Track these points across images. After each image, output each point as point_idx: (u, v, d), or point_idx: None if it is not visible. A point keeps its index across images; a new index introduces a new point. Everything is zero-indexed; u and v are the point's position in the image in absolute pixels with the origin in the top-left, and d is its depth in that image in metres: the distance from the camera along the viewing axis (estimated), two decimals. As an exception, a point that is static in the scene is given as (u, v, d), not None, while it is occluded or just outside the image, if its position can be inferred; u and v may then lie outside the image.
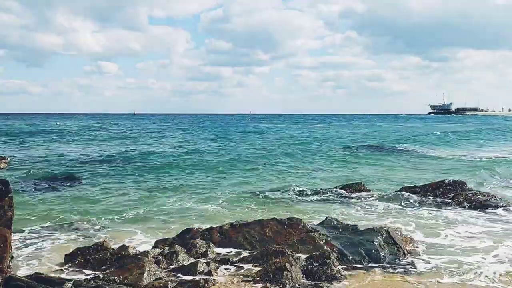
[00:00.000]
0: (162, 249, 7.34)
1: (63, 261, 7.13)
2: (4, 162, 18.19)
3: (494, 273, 6.60)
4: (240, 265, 6.87)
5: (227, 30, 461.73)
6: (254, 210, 11.11)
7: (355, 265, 6.96)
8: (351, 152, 26.37)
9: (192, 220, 10.04)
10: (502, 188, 14.31)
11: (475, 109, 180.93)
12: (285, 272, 6.26)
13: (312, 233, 7.73)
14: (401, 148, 29.10)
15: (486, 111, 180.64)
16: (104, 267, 6.83)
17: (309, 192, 13.09)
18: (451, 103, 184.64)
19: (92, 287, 5.58)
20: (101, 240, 7.99)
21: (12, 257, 6.66)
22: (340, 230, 8.19)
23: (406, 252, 7.49)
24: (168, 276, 6.35)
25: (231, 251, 7.57)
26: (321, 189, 13.59)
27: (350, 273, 6.65)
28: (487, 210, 10.68)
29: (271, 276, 6.26)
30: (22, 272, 6.64)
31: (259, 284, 6.14)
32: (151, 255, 6.95)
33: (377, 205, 11.52)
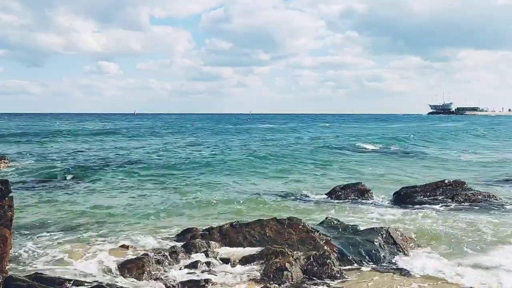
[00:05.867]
0: (162, 249, 7.34)
1: (63, 261, 7.12)
2: (4, 162, 18.18)
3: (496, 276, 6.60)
4: (240, 265, 6.87)
5: (228, 30, 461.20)
6: (254, 210, 11.10)
7: (355, 265, 6.96)
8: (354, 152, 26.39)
9: (192, 220, 10.04)
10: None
11: (475, 109, 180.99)
12: (285, 272, 6.26)
13: (312, 233, 7.72)
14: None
15: (486, 111, 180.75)
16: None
17: (309, 192, 13.10)
18: (451, 103, 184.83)
19: (92, 287, 5.58)
20: (101, 240, 8.00)
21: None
22: (340, 230, 8.19)
23: (406, 252, 7.50)
24: (168, 276, 6.34)
25: (231, 251, 7.57)
26: (321, 188, 13.59)
27: (350, 273, 6.65)
28: (487, 210, 10.66)
29: (271, 276, 6.27)
30: (22, 272, 6.64)
31: (259, 284, 6.14)
32: (151, 255, 6.95)
33: (377, 205, 11.51)
